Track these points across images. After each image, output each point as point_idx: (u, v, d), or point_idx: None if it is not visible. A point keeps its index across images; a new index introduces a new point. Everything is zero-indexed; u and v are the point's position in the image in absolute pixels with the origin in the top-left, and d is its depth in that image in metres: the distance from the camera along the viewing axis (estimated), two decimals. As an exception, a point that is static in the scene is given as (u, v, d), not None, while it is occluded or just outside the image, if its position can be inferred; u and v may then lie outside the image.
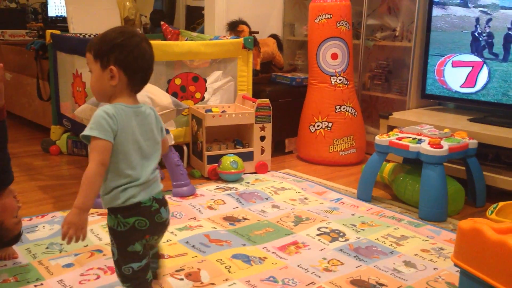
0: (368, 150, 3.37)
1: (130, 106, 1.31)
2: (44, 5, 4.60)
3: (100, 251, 1.91)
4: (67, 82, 3.18)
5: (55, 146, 3.33)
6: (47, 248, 1.93)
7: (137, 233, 1.31)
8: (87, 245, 1.96)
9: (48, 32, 3.27)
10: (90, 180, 1.22)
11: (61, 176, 2.91)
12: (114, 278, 1.69)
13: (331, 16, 3.16)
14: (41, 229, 2.09)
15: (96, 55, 1.30)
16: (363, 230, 2.19)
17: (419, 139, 2.42)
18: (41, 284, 1.67)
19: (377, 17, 3.54)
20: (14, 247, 1.86)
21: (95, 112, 1.27)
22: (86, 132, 1.24)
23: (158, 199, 1.35)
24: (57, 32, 3.30)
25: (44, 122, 3.68)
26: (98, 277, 1.71)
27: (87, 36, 3.40)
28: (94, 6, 3.67)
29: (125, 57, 1.28)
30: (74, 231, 1.22)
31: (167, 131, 2.56)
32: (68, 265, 1.79)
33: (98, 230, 2.10)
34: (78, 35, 3.37)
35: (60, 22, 4.49)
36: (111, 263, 1.78)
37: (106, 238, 2.03)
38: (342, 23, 3.18)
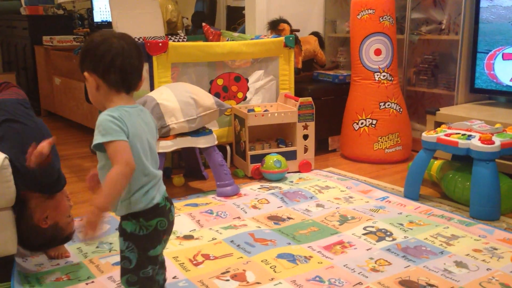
0: (414, 147, 3.29)
1: (129, 106, 1.27)
2: (90, 11, 4.74)
3: (147, 250, 1.94)
4: (113, 85, 3.25)
5: (102, 148, 3.41)
6: (97, 247, 1.98)
7: (158, 234, 1.30)
8: (135, 245, 2.00)
9: (95, 37, 3.36)
10: (113, 180, 1.18)
11: (108, 177, 2.98)
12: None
13: (374, 11, 3.10)
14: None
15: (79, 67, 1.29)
16: (411, 229, 2.14)
17: (469, 135, 2.34)
18: (92, 282, 1.71)
19: (422, 10, 3.45)
20: (66, 246, 1.92)
21: (99, 118, 1.22)
22: (98, 140, 1.19)
23: (167, 198, 1.35)
24: (103, 36, 3.38)
25: (92, 124, 3.77)
26: (146, 276, 1.74)
27: (131, 39, 3.47)
28: (138, 10, 3.74)
29: (94, 61, 1.24)
30: (93, 231, 1.18)
31: (210, 131, 2.58)
32: (117, 263, 1.81)
33: (145, 229, 2.14)
34: (123, 39, 3.44)
35: (105, 27, 4.62)
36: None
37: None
38: (385, 18, 3.11)
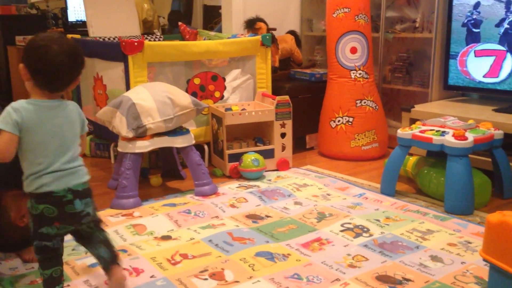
0: (390, 144, 3.33)
1: (46, 101, 1.44)
2: (64, 10, 4.67)
3: (124, 251, 1.92)
4: (88, 85, 3.22)
5: (78, 149, 3.37)
6: (73, 249, 1.95)
7: (46, 219, 1.44)
8: (112, 246, 1.98)
9: (69, 36, 3.31)
10: None
11: (85, 178, 2.94)
12: (140, 279, 1.71)
13: (349, 9, 3.13)
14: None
15: None
16: (388, 225, 2.16)
17: (443, 131, 2.38)
18: (68, 285, 1.69)
19: (396, 8, 3.49)
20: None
21: (8, 106, 1.41)
22: None
23: (74, 191, 1.46)
24: (78, 36, 3.34)
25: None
26: (124, 277, 1.72)
27: (106, 39, 3.43)
28: (113, 9, 3.70)
29: (29, 59, 1.42)
30: None
31: (187, 131, 2.57)
32: (93, 265, 1.80)
33: (122, 230, 2.12)
34: (98, 38, 3.40)
35: (80, 26, 4.56)
36: (136, 263, 1.81)
37: (130, 238, 2.05)
38: (360, 17, 3.14)
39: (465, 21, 2.98)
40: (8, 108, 1.39)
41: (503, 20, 2.83)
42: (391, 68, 3.54)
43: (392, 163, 2.54)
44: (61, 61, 1.41)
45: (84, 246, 1.61)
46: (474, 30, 2.96)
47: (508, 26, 2.81)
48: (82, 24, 4.57)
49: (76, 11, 4.70)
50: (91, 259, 1.84)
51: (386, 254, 1.90)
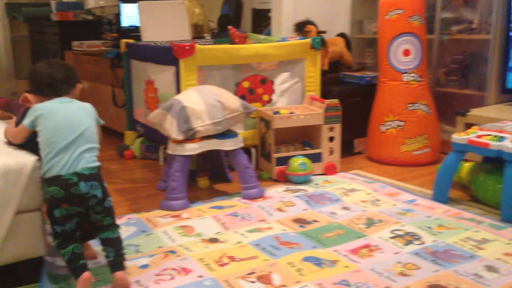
0: (443, 149, 3.22)
1: (56, 100, 1.72)
2: (118, 16, 4.81)
3: (173, 252, 1.95)
4: (140, 88, 3.29)
5: (129, 151, 3.46)
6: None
7: (55, 200, 1.59)
8: (161, 247, 2.01)
9: (123, 41, 3.41)
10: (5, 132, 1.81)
11: (135, 180, 3.01)
12: (188, 279, 1.73)
13: (403, 11, 3.06)
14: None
15: None
16: (440, 233, 2.09)
17: (501, 137, 2.28)
18: (119, 284, 1.72)
19: (452, 9, 3.38)
20: (95, 248, 1.95)
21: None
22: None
23: (80, 174, 1.61)
24: (131, 41, 3.43)
25: (119, 127, 3.83)
26: (173, 277, 1.75)
27: (158, 43, 3.51)
28: (165, 14, 3.78)
29: (38, 80, 1.76)
30: None
31: (236, 134, 2.59)
32: (144, 266, 1.84)
33: (171, 231, 2.15)
34: (151, 43, 3.48)
35: (132, 31, 4.68)
36: (185, 264, 1.83)
37: (178, 239, 2.08)
38: (414, 18, 3.07)
39: (525, 21, 2.85)
40: (31, 109, 1.69)
41: None
42: (445, 71, 3.43)
43: (446, 169, 2.46)
44: (47, 74, 1.75)
45: (95, 238, 1.73)
46: (535, 30, 2.82)
47: None
48: (135, 29, 4.69)
49: (129, 17, 4.83)
50: (142, 260, 1.88)
51: (439, 263, 1.83)
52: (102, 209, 1.66)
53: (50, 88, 1.75)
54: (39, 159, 1.68)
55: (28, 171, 1.65)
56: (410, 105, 3.09)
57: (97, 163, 1.68)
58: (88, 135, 1.69)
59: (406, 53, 3.10)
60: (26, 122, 1.69)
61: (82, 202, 1.62)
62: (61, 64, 1.82)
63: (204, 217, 2.28)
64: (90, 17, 5.12)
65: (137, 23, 4.54)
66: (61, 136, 1.63)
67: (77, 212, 1.63)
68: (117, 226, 1.72)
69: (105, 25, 4.85)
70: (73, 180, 1.60)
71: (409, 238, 2.04)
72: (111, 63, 3.69)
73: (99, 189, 1.64)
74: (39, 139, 1.66)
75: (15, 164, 1.64)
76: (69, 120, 1.67)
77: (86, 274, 1.60)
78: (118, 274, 1.65)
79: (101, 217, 1.67)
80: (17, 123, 1.76)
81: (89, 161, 1.65)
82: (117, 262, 1.67)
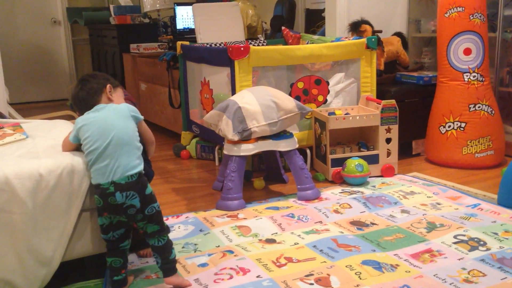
0: (507, 152, 3.09)
1: (92, 111, 1.73)
2: (173, 19, 4.91)
3: (231, 251, 1.96)
4: (195, 89, 3.35)
5: (185, 151, 3.52)
6: (183, 247, 2.03)
7: (97, 209, 1.62)
8: (218, 246, 2.03)
9: (179, 43, 3.47)
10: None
11: (191, 179, 3.06)
12: (247, 278, 1.74)
13: (463, 9, 2.95)
14: (177, 229, 2.21)
15: None
16: (507, 239, 2.00)
17: None
18: (179, 281, 1.75)
19: (516, 6, 3.23)
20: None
21: None
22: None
23: (117, 184, 1.59)
24: (186, 43, 3.49)
25: (175, 128, 3.91)
26: (231, 277, 1.76)
27: (213, 45, 3.55)
28: (219, 16, 3.82)
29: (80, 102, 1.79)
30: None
31: (291, 135, 2.58)
32: (203, 265, 1.86)
33: (228, 231, 2.17)
34: (206, 44, 3.53)
35: (187, 33, 4.76)
36: (242, 263, 1.84)
37: (235, 239, 2.09)
38: (476, 16, 2.95)
39: None
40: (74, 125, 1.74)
41: None
42: (509, 70, 3.28)
43: (512, 172, 2.35)
44: (77, 97, 1.79)
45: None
46: None
47: None
48: (189, 31, 4.77)
49: (184, 19, 4.92)
50: (201, 259, 1.91)
51: (507, 271, 1.75)
52: (143, 217, 1.63)
53: (79, 107, 1.79)
54: None
55: (92, 170, 1.70)
56: (472, 105, 2.98)
57: (136, 170, 1.62)
58: (122, 137, 1.64)
59: (467, 52, 2.99)
60: (70, 137, 1.73)
61: (120, 211, 1.61)
62: (83, 79, 1.81)
63: (260, 218, 2.29)
64: (146, 21, 5.25)
65: (192, 25, 4.62)
66: (96, 143, 1.63)
67: (119, 221, 1.63)
68: (163, 234, 1.68)
69: (161, 27, 4.96)
70: (110, 190, 1.59)
71: (474, 243, 1.97)
72: (167, 65, 3.76)
73: (136, 198, 1.60)
74: (83, 147, 1.67)
75: (80, 164, 1.69)
76: (101, 127, 1.65)
77: None
78: (168, 280, 1.68)
79: (143, 224, 1.65)
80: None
81: (126, 168, 1.61)
82: (165, 269, 1.68)
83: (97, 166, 1.61)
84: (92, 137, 1.64)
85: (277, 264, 1.85)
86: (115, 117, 1.69)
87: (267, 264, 1.85)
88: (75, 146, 1.73)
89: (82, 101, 1.76)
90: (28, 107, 5.61)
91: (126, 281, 1.71)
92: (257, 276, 1.76)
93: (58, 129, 2.20)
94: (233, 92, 2.80)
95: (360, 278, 1.73)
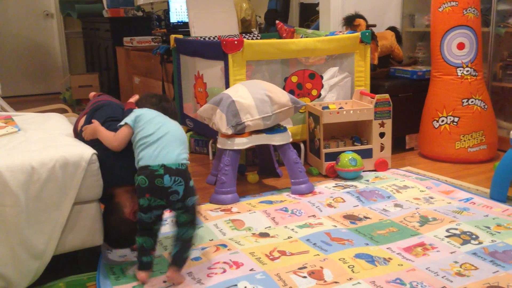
0: (500, 146, 3.10)
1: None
2: (167, 12, 4.89)
3: (224, 245, 1.96)
4: (189, 83, 3.33)
5: (179, 145, 3.50)
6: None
7: (140, 189, 1.64)
8: (212, 239, 2.03)
9: (172, 37, 3.46)
10: (107, 136, 1.80)
11: (185, 173, 3.05)
12: (240, 272, 1.74)
13: (457, 3, 2.95)
14: (170, 222, 2.20)
15: None
16: (499, 233, 2.01)
17: None
18: (172, 275, 1.75)
19: (510, 1, 3.24)
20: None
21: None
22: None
23: (167, 167, 1.64)
24: (180, 36, 3.47)
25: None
26: (224, 271, 1.76)
27: (207, 38, 3.54)
28: (213, 9, 3.81)
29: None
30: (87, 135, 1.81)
31: (285, 129, 2.58)
32: (196, 258, 1.86)
33: (222, 225, 2.17)
34: (199, 38, 3.51)
35: (181, 27, 4.74)
36: (235, 257, 1.84)
37: (229, 233, 2.09)
38: (469, 10, 2.96)
39: None
40: (132, 112, 1.81)
41: None
42: (502, 65, 3.29)
43: (505, 166, 2.36)
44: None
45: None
46: None
47: None
48: (183, 25, 4.76)
49: (177, 13, 4.90)
50: (194, 252, 1.91)
51: (498, 264, 1.77)
52: (182, 206, 1.66)
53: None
54: (94, 153, 1.73)
55: (85, 163, 1.69)
56: (465, 100, 2.99)
57: (186, 161, 1.70)
58: (177, 136, 1.75)
59: (461, 46, 3.00)
60: (129, 120, 1.75)
61: (163, 195, 1.64)
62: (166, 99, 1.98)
63: (254, 212, 2.29)
64: (140, 14, 5.23)
65: (186, 19, 4.61)
66: (153, 130, 1.71)
67: (158, 205, 1.65)
68: (193, 227, 1.70)
69: (155, 21, 4.93)
70: (159, 172, 1.63)
71: (466, 237, 1.98)
72: (161, 59, 3.75)
73: (182, 186, 1.64)
74: (136, 134, 1.73)
75: (72, 156, 1.69)
76: (161, 121, 1.76)
77: (143, 275, 1.69)
78: (172, 270, 1.68)
79: (179, 213, 1.67)
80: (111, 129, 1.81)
81: (178, 158, 1.68)
82: (178, 258, 1.69)
83: (149, 150, 1.67)
84: (151, 125, 1.73)
85: (270, 257, 1.86)
86: (175, 124, 1.82)
87: (260, 258, 1.85)
88: (130, 133, 1.75)
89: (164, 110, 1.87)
90: (20, 101, 5.58)
91: (153, 264, 1.72)
92: (250, 270, 1.76)
93: (51, 123, 2.19)
94: (227, 85, 2.79)
95: (353, 271, 1.74)
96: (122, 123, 1.76)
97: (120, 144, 1.75)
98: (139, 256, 1.70)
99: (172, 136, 1.73)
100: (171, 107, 1.94)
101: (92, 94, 2.33)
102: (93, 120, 1.85)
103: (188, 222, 1.68)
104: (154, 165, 1.64)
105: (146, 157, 1.66)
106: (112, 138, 1.76)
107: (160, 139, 1.70)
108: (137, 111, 1.80)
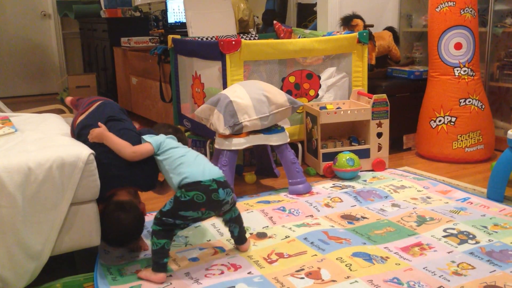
0: (497, 146, 3.11)
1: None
2: (164, 13, 4.89)
3: (223, 249, 1.95)
4: (187, 84, 3.33)
5: (176, 145, 3.50)
6: (173, 240, 2.02)
7: (194, 204, 1.69)
8: (209, 240, 2.03)
9: (170, 37, 3.45)
10: (123, 146, 1.81)
11: (183, 173, 3.05)
12: (237, 274, 1.74)
13: (454, 3, 2.96)
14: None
15: None
16: (496, 232, 2.02)
17: (562, 133, 2.17)
18: (170, 276, 1.75)
19: (507, 1, 3.24)
20: (144, 239, 1.98)
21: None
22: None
23: (218, 181, 1.73)
24: (178, 37, 3.47)
25: (167, 122, 3.89)
26: (222, 272, 1.76)
27: (205, 39, 3.54)
28: (211, 10, 3.81)
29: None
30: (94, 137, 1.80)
31: (282, 129, 2.58)
32: (194, 259, 1.86)
33: (220, 225, 2.16)
34: (197, 38, 3.51)
35: (178, 27, 4.74)
36: (234, 260, 1.84)
37: (227, 233, 2.08)
38: (466, 10, 2.96)
39: None
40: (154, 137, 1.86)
41: None
42: (499, 65, 3.30)
43: (501, 166, 2.37)
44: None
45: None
46: None
47: None
48: (181, 25, 4.76)
49: (175, 13, 4.89)
50: (191, 252, 1.91)
51: (495, 263, 1.77)
52: (229, 207, 1.83)
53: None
54: (92, 153, 1.73)
55: (82, 163, 1.69)
56: (462, 100, 2.99)
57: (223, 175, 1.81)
58: (204, 158, 1.86)
59: (458, 46, 3.00)
60: (154, 143, 1.81)
61: (218, 207, 1.76)
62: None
63: (251, 211, 2.29)
64: (137, 14, 5.22)
65: (183, 19, 4.61)
66: (186, 152, 1.81)
67: (208, 217, 1.77)
68: (234, 206, 1.86)
69: (152, 21, 4.93)
70: (213, 186, 1.71)
71: (463, 237, 1.98)
72: (158, 59, 3.74)
73: (231, 195, 1.78)
74: (167, 157, 1.80)
75: (69, 157, 1.68)
76: (186, 148, 1.88)
77: (162, 276, 1.70)
78: (244, 246, 1.90)
79: (227, 210, 1.84)
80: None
81: (220, 172, 1.79)
82: (241, 237, 1.89)
83: (192, 167, 1.74)
84: (178, 149, 1.82)
85: (268, 260, 1.85)
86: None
87: (258, 261, 1.85)
88: (151, 153, 1.81)
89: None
90: (18, 101, 5.57)
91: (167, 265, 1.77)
92: (248, 273, 1.75)
93: (48, 123, 2.19)
94: (225, 86, 2.79)
95: (351, 270, 1.74)
96: (146, 139, 1.82)
97: (137, 157, 1.79)
98: (159, 258, 1.70)
99: (202, 157, 1.83)
100: (185, 138, 2.07)
101: (69, 99, 2.37)
102: (99, 124, 1.85)
103: (230, 209, 1.84)
104: (206, 180, 1.71)
105: (193, 173, 1.72)
106: (129, 149, 1.78)
107: (196, 157, 1.80)
108: (160, 138, 1.85)
